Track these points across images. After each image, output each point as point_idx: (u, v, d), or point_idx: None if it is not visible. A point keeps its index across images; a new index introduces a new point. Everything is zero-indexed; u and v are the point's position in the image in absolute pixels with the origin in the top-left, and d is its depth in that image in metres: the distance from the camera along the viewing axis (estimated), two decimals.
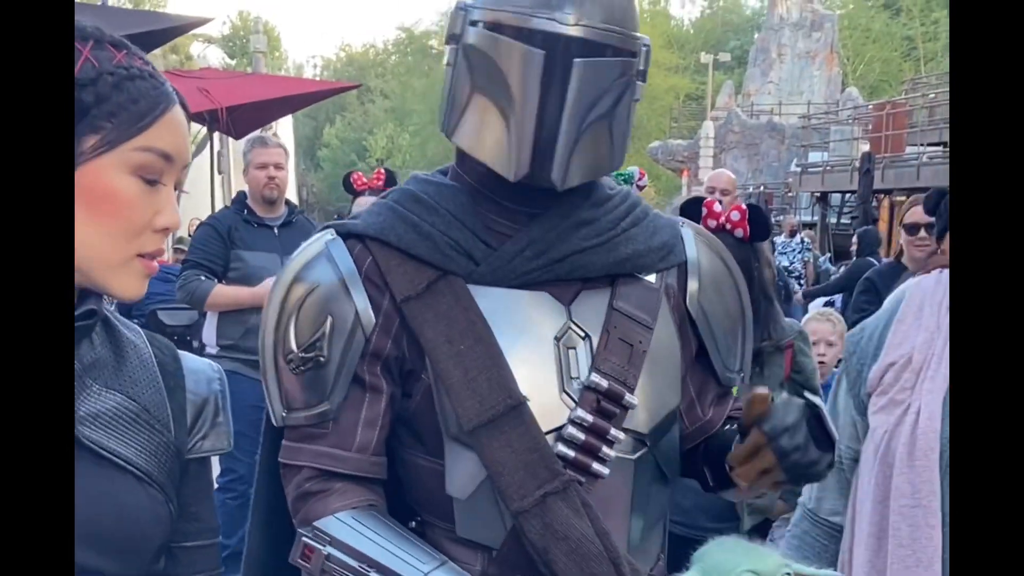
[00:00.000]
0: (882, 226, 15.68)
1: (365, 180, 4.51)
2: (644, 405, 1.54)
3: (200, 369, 1.25)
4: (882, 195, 17.93)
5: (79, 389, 1.08)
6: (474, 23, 1.49)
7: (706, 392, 1.67)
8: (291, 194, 4.73)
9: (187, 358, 1.24)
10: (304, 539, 1.48)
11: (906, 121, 20.76)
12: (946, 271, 2.71)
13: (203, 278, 4.42)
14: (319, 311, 1.52)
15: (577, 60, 1.44)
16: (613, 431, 1.50)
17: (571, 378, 1.51)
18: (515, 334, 1.51)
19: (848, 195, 19.40)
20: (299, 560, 1.47)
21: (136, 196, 1.07)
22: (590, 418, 1.49)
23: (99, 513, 1.06)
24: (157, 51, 11.76)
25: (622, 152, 1.55)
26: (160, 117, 1.08)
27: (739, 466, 1.47)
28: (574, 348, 1.53)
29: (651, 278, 1.60)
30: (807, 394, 1.56)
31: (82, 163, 1.04)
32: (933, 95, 22.19)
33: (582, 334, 1.53)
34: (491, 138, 1.48)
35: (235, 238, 4.50)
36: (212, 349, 4.53)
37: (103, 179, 1.05)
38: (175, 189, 1.12)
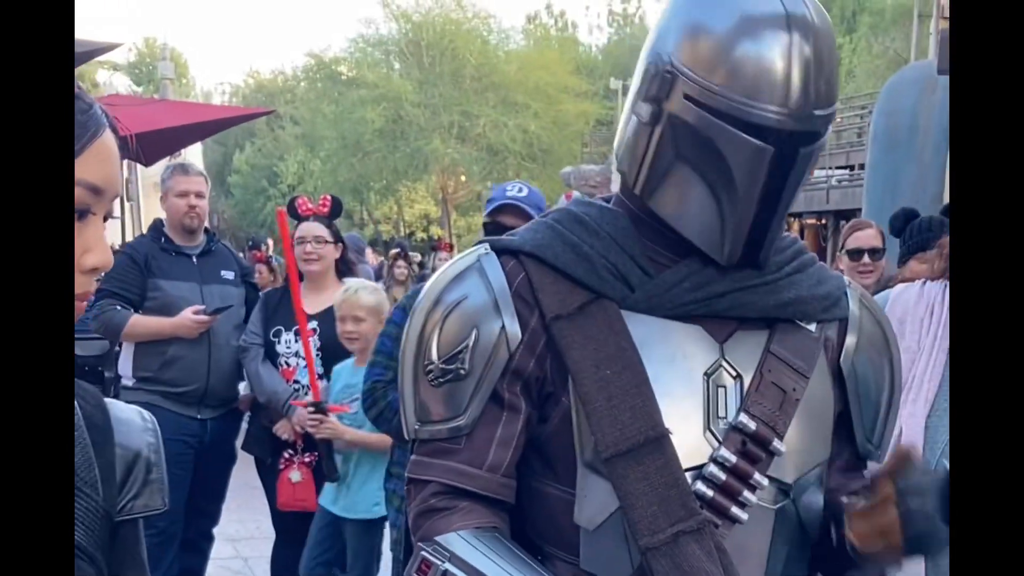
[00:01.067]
0: None
1: (310, 206, 4.40)
2: (792, 454, 1.47)
3: (130, 419, 1.12)
4: (792, 218, 18.24)
5: None
6: (687, 97, 1.40)
7: (838, 458, 1.58)
8: None
9: (115, 407, 1.11)
10: (423, 553, 1.43)
11: None
12: (929, 283, 2.73)
13: (119, 308, 4.28)
14: (465, 323, 1.48)
15: (803, 150, 1.41)
16: (756, 476, 1.44)
17: (718, 417, 1.45)
18: (664, 365, 1.45)
19: None
20: (414, 574, 1.43)
21: None
22: (733, 459, 1.43)
23: None
24: None
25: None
26: (88, 145, 0.96)
27: (859, 520, 1.41)
28: (724, 387, 1.47)
29: (811, 327, 1.54)
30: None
31: None
32: (839, 119, 22.65)
33: (734, 374, 1.47)
34: (700, 218, 1.45)
35: (152, 267, 4.38)
36: (128, 381, 4.39)
37: None
38: (104, 220, 1.01)
